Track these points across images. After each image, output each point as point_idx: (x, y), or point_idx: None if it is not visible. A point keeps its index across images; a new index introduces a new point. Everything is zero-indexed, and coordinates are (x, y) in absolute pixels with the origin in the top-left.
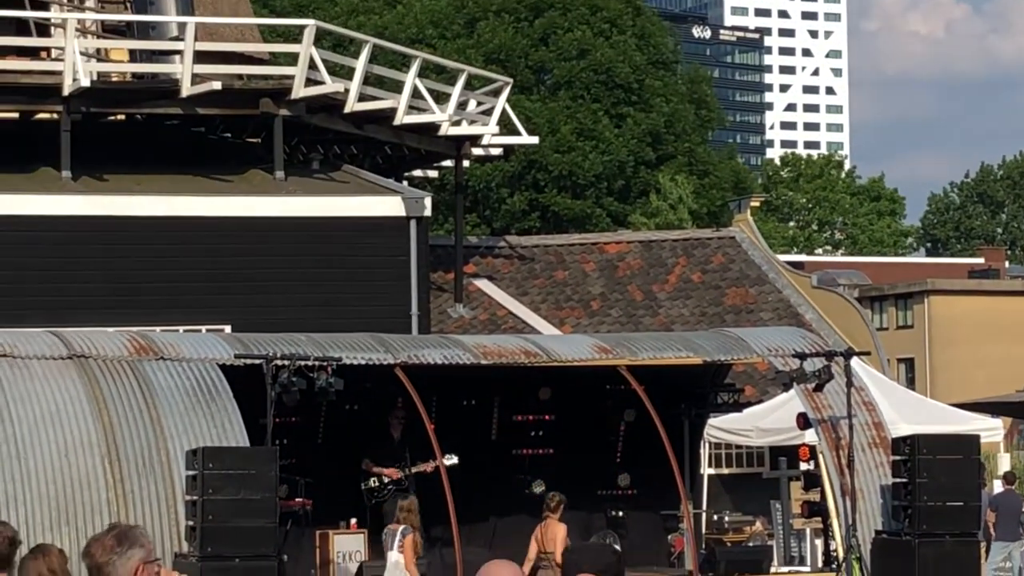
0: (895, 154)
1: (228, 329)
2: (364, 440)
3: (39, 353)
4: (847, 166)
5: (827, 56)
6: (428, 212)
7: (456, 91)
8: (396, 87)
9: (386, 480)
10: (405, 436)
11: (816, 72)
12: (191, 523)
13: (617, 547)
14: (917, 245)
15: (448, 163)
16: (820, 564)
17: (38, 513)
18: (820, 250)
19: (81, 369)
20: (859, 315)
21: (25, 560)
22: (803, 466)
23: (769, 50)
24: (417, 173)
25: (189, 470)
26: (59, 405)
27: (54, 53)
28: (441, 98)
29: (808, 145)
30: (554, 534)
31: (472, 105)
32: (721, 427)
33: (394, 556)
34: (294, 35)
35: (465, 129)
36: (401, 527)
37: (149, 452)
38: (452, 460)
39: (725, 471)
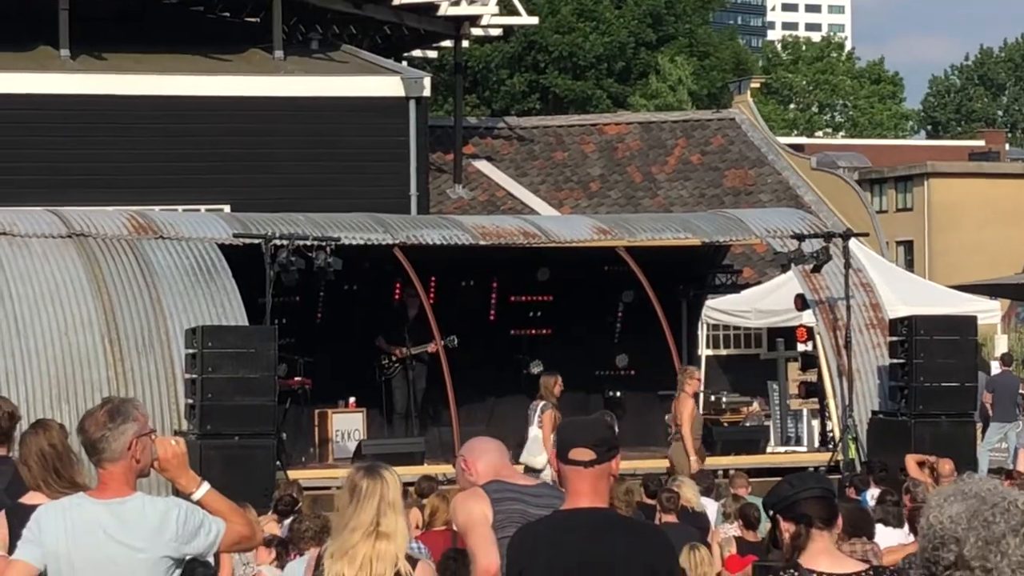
0: (896, 36)
1: (227, 209)
2: (370, 319)
3: (38, 231)
4: (848, 48)
5: None
6: (427, 92)
7: None
8: None
9: (393, 359)
10: (420, 314)
11: None
12: (190, 401)
13: (613, 423)
14: (917, 128)
15: (447, 43)
16: (816, 444)
17: (38, 390)
18: (820, 132)
19: (80, 248)
20: (858, 197)
21: (26, 435)
22: (800, 347)
23: None
24: (416, 53)
25: (188, 348)
26: (59, 284)
27: None
28: None
29: (809, 27)
30: (681, 409)
31: None
32: (719, 308)
33: (533, 431)
34: None
35: (464, 9)
36: (541, 403)
37: (148, 331)
38: (453, 342)
39: (723, 352)
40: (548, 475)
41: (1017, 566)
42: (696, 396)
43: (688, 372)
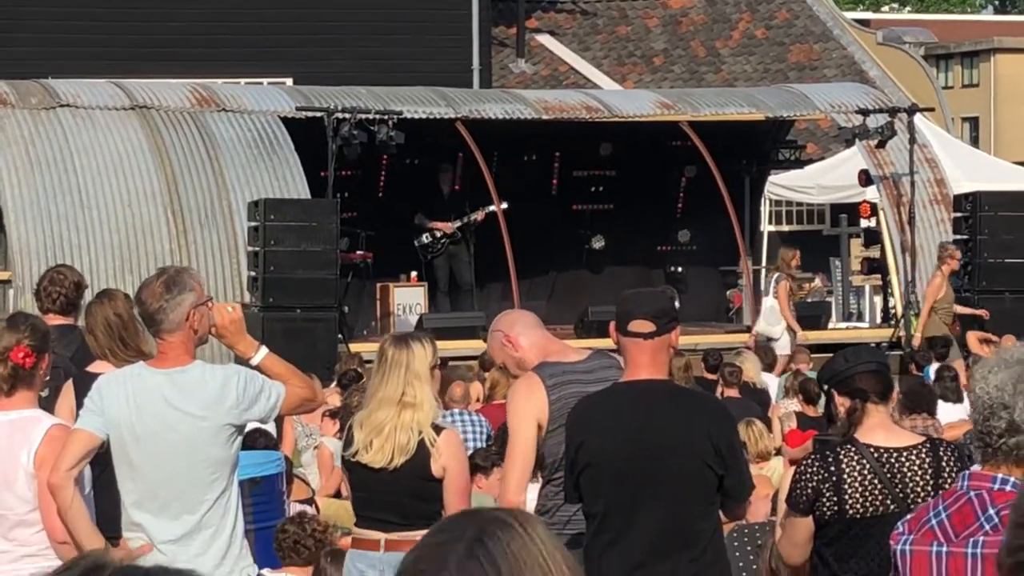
0: None
1: (289, 82)
2: (422, 194)
3: (102, 103)
4: None
5: None
6: None
7: None
8: None
9: (439, 235)
10: (461, 191)
11: None
12: (253, 274)
13: (675, 298)
14: (985, 3)
15: None
16: (879, 320)
17: (102, 261)
18: (886, 7)
19: (143, 120)
20: (924, 73)
21: (91, 305)
22: (864, 223)
23: None
24: None
25: (251, 221)
26: (122, 155)
27: None
28: None
29: None
30: (927, 286)
31: None
32: (782, 184)
33: (769, 301)
34: None
35: None
36: (776, 274)
37: (211, 203)
38: (503, 205)
39: (785, 228)
40: (785, 343)
41: None
42: (950, 275)
43: (948, 250)
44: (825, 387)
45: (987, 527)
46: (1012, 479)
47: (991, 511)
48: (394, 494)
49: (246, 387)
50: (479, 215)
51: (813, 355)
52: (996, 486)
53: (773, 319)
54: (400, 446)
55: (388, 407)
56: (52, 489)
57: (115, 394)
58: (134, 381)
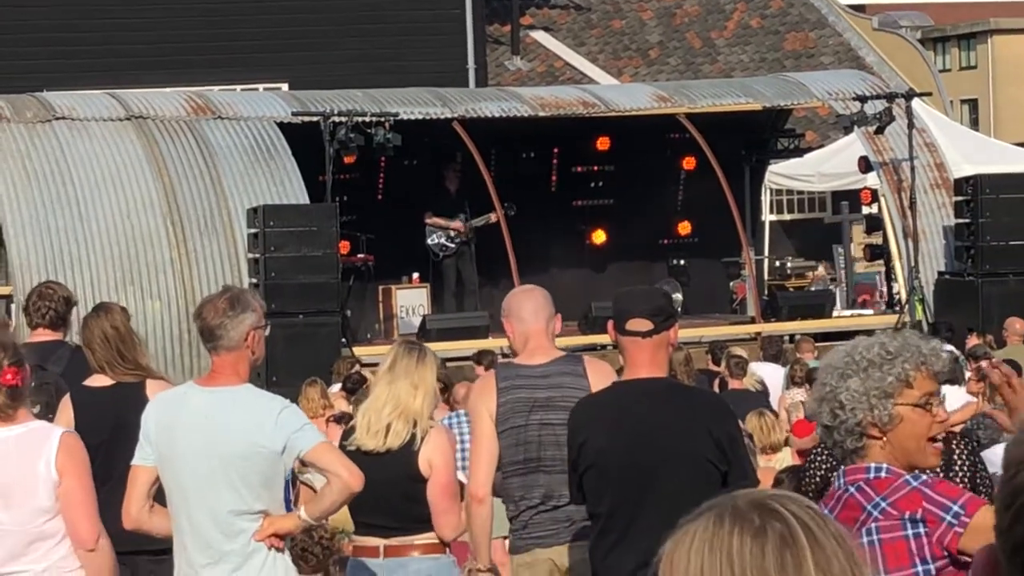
0: None
1: (285, 87)
2: (422, 195)
3: (97, 115)
4: None
5: None
6: None
7: None
8: None
9: (452, 235)
10: (462, 189)
11: None
12: (254, 280)
13: (671, 291)
14: None
15: None
16: (883, 307)
17: (102, 273)
18: None
19: (139, 130)
20: (921, 57)
21: (88, 319)
22: (865, 209)
23: None
24: None
25: (250, 228)
26: (119, 167)
27: None
28: None
29: None
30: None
31: None
32: (782, 173)
33: None
34: None
35: None
36: None
37: (210, 211)
38: (512, 209)
39: (786, 217)
40: None
41: None
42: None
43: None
44: None
45: (875, 514)
46: (884, 465)
47: (877, 499)
48: (386, 496)
49: (288, 420)
50: (492, 217)
51: (818, 344)
52: (871, 475)
53: None
54: (395, 431)
55: (392, 399)
56: (132, 529)
57: (156, 417)
58: (177, 401)
